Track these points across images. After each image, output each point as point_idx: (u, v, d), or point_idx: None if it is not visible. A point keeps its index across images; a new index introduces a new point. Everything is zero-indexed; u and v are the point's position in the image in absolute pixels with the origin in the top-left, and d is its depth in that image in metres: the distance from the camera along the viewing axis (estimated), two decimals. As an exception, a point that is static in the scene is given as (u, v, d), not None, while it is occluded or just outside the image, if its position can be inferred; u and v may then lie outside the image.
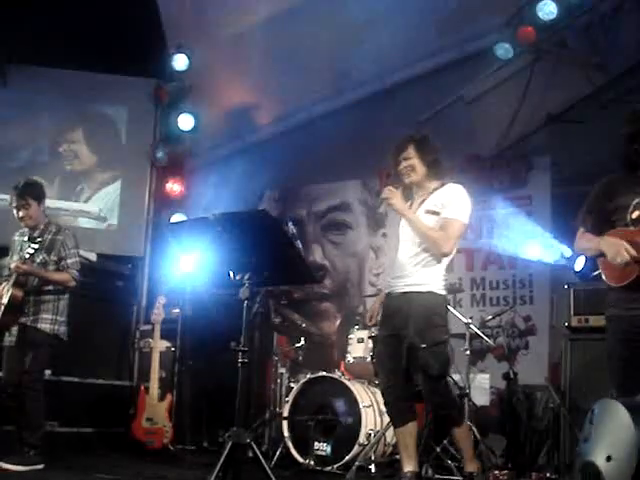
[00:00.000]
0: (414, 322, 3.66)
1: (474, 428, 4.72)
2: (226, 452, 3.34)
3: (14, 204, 4.68)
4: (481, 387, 5.94)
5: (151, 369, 5.91)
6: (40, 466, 4.45)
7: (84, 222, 7.25)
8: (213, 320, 6.32)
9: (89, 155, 7.39)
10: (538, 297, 6.52)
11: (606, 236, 3.19)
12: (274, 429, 5.78)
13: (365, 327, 5.52)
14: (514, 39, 6.50)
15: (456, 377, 5.04)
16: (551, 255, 6.30)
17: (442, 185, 3.85)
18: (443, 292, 3.79)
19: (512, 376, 5.26)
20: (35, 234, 4.64)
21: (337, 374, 5.28)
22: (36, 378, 4.57)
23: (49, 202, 5.15)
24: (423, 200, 3.85)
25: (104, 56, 6.83)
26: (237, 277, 3.57)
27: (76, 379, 6.02)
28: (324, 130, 7.47)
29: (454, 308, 5.09)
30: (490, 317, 5.58)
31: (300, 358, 5.90)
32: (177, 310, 6.68)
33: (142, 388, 5.91)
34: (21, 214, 4.68)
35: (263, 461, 3.49)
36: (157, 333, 6.04)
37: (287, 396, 5.44)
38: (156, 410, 5.81)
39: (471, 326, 5.18)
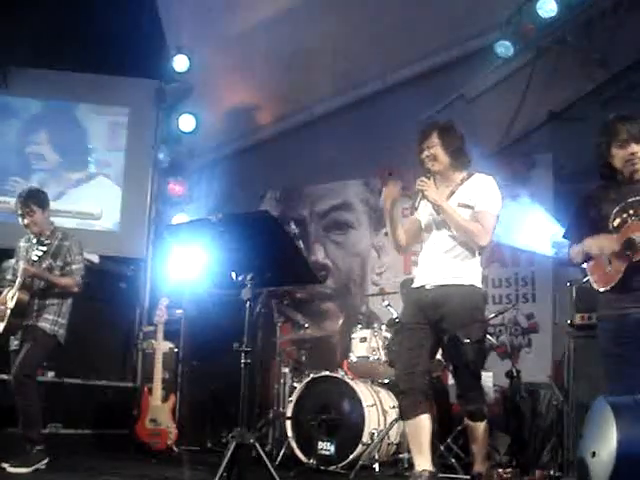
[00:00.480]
0: (455, 316, 3.54)
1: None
2: (230, 452, 3.33)
3: (19, 212, 4.78)
4: (484, 385, 5.91)
5: (154, 370, 5.91)
6: (44, 461, 4.46)
7: (84, 224, 7.25)
8: (216, 321, 6.31)
9: (54, 155, 7.37)
10: (540, 295, 6.50)
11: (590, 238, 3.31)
12: (278, 429, 5.76)
13: (367, 326, 5.52)
14: (515, 37, 6.51)
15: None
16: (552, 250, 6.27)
17: (470, 176, 3.72)
18: (482, 287, 3.69)
19: (515, 374, 5.23)
20: (42, 239, 4.73)
21: (340, 374, 5.28)
22: (26, 373, 4.54)
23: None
24: (452, 192, 3.70)
25: (105, 58, 6.84)
26: (239, 278, 3.57)
27: (79, 381, 6.04)
28: (325, 130, 7.47)
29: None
30: (492, 315, 5.52)
31: (303, 358, 5.90)
32: (180, 311, 6.69)
33: (145, 389, 5.92)
34: (26, 221, 4.77)
35: (267, 461, 3.47)
36: (160, 334, 6.06)
37: (290, 396, 5.44)
38: (160, 411, 5.82)
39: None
